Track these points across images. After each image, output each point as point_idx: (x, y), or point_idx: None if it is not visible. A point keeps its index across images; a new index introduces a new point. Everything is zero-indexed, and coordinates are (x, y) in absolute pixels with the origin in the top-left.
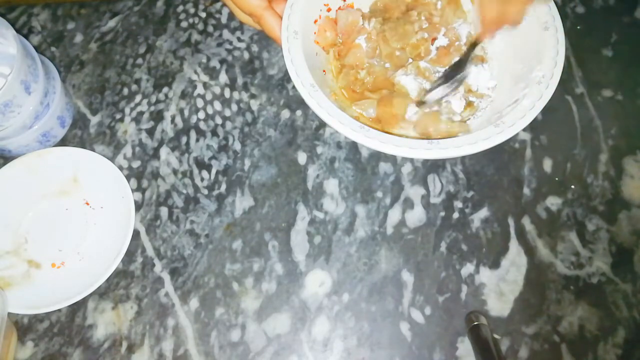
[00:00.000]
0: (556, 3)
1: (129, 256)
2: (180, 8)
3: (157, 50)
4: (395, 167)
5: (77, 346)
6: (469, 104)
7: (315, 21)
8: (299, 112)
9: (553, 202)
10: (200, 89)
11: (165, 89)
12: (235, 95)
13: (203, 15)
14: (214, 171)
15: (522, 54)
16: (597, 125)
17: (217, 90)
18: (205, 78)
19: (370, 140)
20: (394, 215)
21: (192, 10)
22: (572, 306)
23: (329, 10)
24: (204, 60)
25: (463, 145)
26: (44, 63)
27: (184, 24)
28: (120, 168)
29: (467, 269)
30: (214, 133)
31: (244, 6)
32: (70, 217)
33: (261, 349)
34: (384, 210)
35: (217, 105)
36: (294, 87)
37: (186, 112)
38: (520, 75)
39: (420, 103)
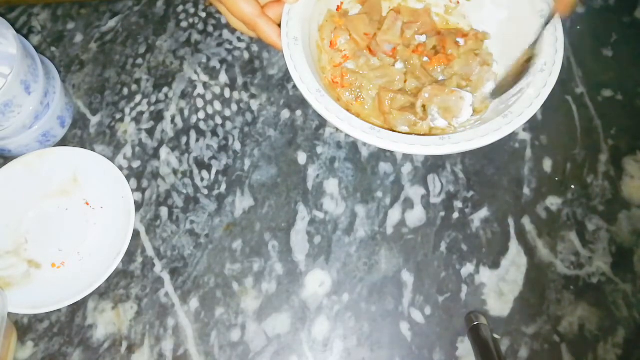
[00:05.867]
0: None
1: (129, 256)
2: (180, 8)
3: (157, 50)
4: (395, 167)
5: (77, 346)
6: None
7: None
8: (299, 112)
9: (553, 202)
10: (200, 89)
11: (165, 89)
12: (235, 95)
13: (203, 15)
14: (214, 171)
15: (522, 42)
16: (597, 125)
17: (217, 90)
18: (205, 78)
19: (382, 140)
20: (394, 215)
21: (192, 10)
22: (572, 306)
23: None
24: (204, 60)
25: (474, 138)
26: (44, 63)
27: (184, 24)
28: (120, 168)
29: (467, 269)
30: (214, 133)
31: (237, 15)
32: (70, 217)
33: (261, 349)
34: (384, 210)
35: (217, 105)
36: (294, 87)
37: (186, 112)
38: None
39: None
